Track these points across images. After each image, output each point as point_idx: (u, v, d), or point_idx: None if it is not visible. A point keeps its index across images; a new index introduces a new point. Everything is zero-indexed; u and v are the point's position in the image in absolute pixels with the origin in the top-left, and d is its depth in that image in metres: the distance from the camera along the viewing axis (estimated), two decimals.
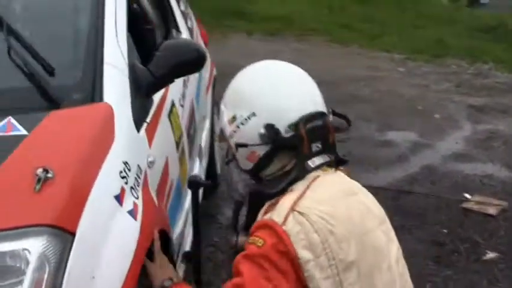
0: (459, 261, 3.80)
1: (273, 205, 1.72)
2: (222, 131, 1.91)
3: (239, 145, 1.81)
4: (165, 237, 2.16)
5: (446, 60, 9.61)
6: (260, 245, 1.64)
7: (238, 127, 1.80)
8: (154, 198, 2.11)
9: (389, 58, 9.84)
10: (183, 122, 2.84)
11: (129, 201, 1.85)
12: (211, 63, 4.65)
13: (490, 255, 3.89)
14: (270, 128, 1.76)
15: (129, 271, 1.70)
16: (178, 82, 2.86)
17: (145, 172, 2.08)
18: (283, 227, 1.63)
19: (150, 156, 2.16)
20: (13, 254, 1.45)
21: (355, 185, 1.88)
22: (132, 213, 1.84)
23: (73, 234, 1.54)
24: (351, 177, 1.91)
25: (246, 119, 1.78)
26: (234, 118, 1.82)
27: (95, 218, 1.66)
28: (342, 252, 1.65)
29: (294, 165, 1.78)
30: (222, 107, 1.90)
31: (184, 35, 3.57)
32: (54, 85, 2.04)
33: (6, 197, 1.56)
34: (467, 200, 4.64)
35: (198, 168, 3.27)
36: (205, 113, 4.07)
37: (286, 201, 1.69)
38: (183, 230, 2.74)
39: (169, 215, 2.41)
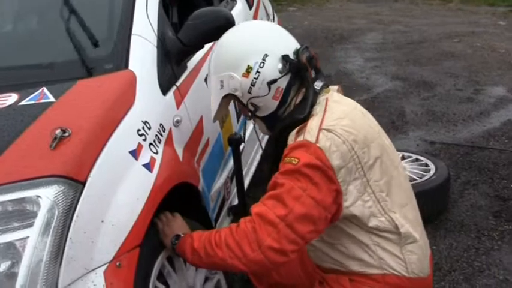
0: None
1: (302, 129, 1.99)
2: (234, 94, 2.13)
3: (270, 83, 2.05)
4: (194, 191, 2.41)
5: None
6: (295, 162, 1.90)
7: (258, 72, 2.05)
8: (180, 154, 2.34)
9: (491, 12, 9.54)
10: None
11: (146, 156, 2.10)
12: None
13: None
14: (286, 58, 2.06)
15: (139, 217, 1.94)
16: None
17: (170, 130, 2.32)
18: (317, 144, 1.91)
19: (177, 116, 2.40)
20: (29, 200, 1.72)
21: (351, 101, 2.17)
22: (148, 166, 2.08)
23: (83, 183, 1.81)
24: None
25: (262, 62, 2.05)
26: (249, 68, 2.06)
27: (107, 169, 1.91)
28: (365, 156, 1.97)
29: (305, 92, 2.08)
30: (226, 73, 2.10)
31: (240, 2, 3.74)
32: (88, 57, 2.31)
33: (27, 154, 1.85)
34: None
35: (251, 128, 3.46)
36: None
37: (313, 124, 1.97)
38: (226, 185, 2.96)
39: (205, 170, 2.64)
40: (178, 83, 2.51)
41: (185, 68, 2.63)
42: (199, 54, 2.78)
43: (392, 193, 2.04)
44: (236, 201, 3.06)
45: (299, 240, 1.91)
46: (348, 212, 1.98)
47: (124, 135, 2.05)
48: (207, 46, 2.72)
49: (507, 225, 3.69)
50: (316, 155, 1.89)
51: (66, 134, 1.87)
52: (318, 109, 2.04)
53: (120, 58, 2.32)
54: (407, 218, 2.07)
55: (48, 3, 2.43)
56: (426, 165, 3.92)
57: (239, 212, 2.99)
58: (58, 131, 1.86)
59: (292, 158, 1.92)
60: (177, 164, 2.30)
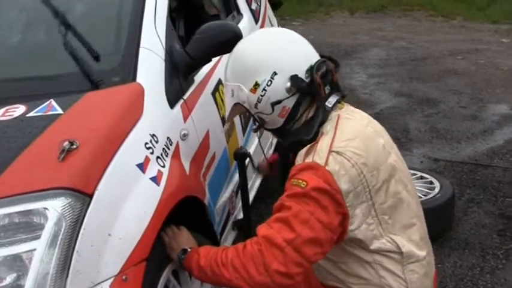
0: None
1: (312, 148, 1.95)
2: (241, 105, 2.11)
3: (274, 103, 2.01)
4: (200, 204, 2.40)
5: None
6: (303, 186, 1.87)
7: (265, 90, 2.01)
8: (186, 168, 2.34)
9: (494, 29, 9.55)
10: None
11: (153, 169, 2.09)
12: None
13: None
14: (295, 78, 1.99)
15: (146, 230, 1.93)
16: None
17: (177, 144, 2.32)
18: (327, 167, 1.87)
19: (184, 129, 2.39)
20: (36, 212, 1.72)
21: (364, 116, 2.13)
22: (155, 179, 2.07)
23: (90, 196, 1.80)
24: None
25: (270, 80, 2.00)
26: (256, 85, 2.01)
27: (114, 182, 1.91)
28: (374, 179, 1.94)
29: (315, 110, 2.04)
30: (236, 84, 2.08)
31: (246, 16, 3.76)
32: (96, 69, 2.31)
33: (36, 166, 1.85)
34: None
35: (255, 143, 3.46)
36: None
37: (323, 144, 1.93)
38: (232, 200, 2.96)
39: (211, 184, 2.63)
40: (185, 97, 2.52)
41: (192, 81, 2.63)
42: (206, 68, 2.78)
43: (396, 215, 2.02)
44: (241, 216, 3.05)
45: (305, 263, 1.90)
46: (352, 235, 1.97)
47: (131, 148, 2.05)
48: (214, 60, 2.72)
49: None
50: (325, 179, 1.86)
51: (74, 146, 1.87)
52: (328, 127, 2.00)
53: (128, 71, 2.32)
54: (411, 239, 2.06)
55: (56, 16, 2.43)
56: (431, 183, 3.91)
57: (244, 226, 2.98)
58: (66, 143, 1.86)
59: (300, 181, 1.89)
60: (183, 178, 2.29)
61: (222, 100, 2.85)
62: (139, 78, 2.30)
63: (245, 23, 3.64)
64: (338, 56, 8.23)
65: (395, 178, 2.02)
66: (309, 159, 1.93)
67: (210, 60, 2.62)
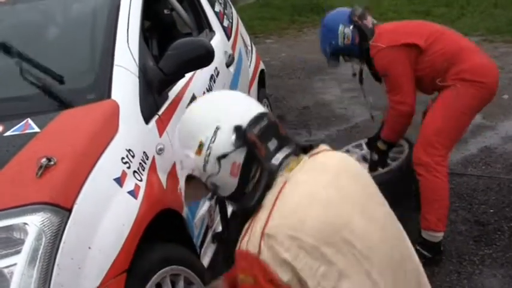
0: (500, 240, 3.81)
1: (250, 226, 1.75)
2: (193, 174, 1.91)
3: (220, 157, 1.80)
4: (178, 217, 2.45)
5: None
6: (252, 282, 1.69)
7: (209, 147, 1.80)
8: (163, 181, 2.38)
9: None
10: None
11: (130, 183, 2.14)
12: (257, 58, 4.88)
13: None
14: (238, 129, 1.79)
15: (125, 242, 1.98)
16: (204, 77, 3.15)
17: (154, 158, 2.36)
18: (260, 257, 1.67)
19: (159, 144, 2.44)
20: (17, 227, 1.76)
21: (330, 170, 1.85)
22: (133, 193, 2.12)
23: (69, 210, 1.84)
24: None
25: (213, 136, 1.80)
26: (201, 144, 1.82)
27: (92, 196, 1.95)
28: (317, 262, 1.67)
29: (260, 172, 1.81)
30: (183, 153, 1.90)
31: (218, 33, 3.82)
32: (71, 87, 2.35)
33: (15, 182, 1.89)
34: None
35: None
36: None
37: (257, 225, 1.71)
38: (210, 213, 2.99)
39: None
40: (160, 112, 2.56)
41: (166, 97, 2.68)
42: (180, 84, 2.83)
43: None
44: (220, 228, 3.08)
45: None
46: None
47: (108, 163, 2.09)
48: (188, 75, 2.77)
49: (487, 249, 3.72)
50: (264, 273, 1.67)
51: (52, 163, 1.91)
52: (269, 197, 1.76)
53: (103, 88, 2.36)
54: None
55: (31, 35, 2.47)
56: None
57: (223, 239, 3.01)
58: (44, 160, 1.90)
59: (243, 276, 1.72)
60: (161, 191, 2.33)
61: None
62: (114, 95, 2.34)
63: (217, 40, 3.70)
64: (311, 72, 8.34)
65: (352, 253, 1.72)
66: (243, 245, 1.73)
67: (183, 76, 2.68)
